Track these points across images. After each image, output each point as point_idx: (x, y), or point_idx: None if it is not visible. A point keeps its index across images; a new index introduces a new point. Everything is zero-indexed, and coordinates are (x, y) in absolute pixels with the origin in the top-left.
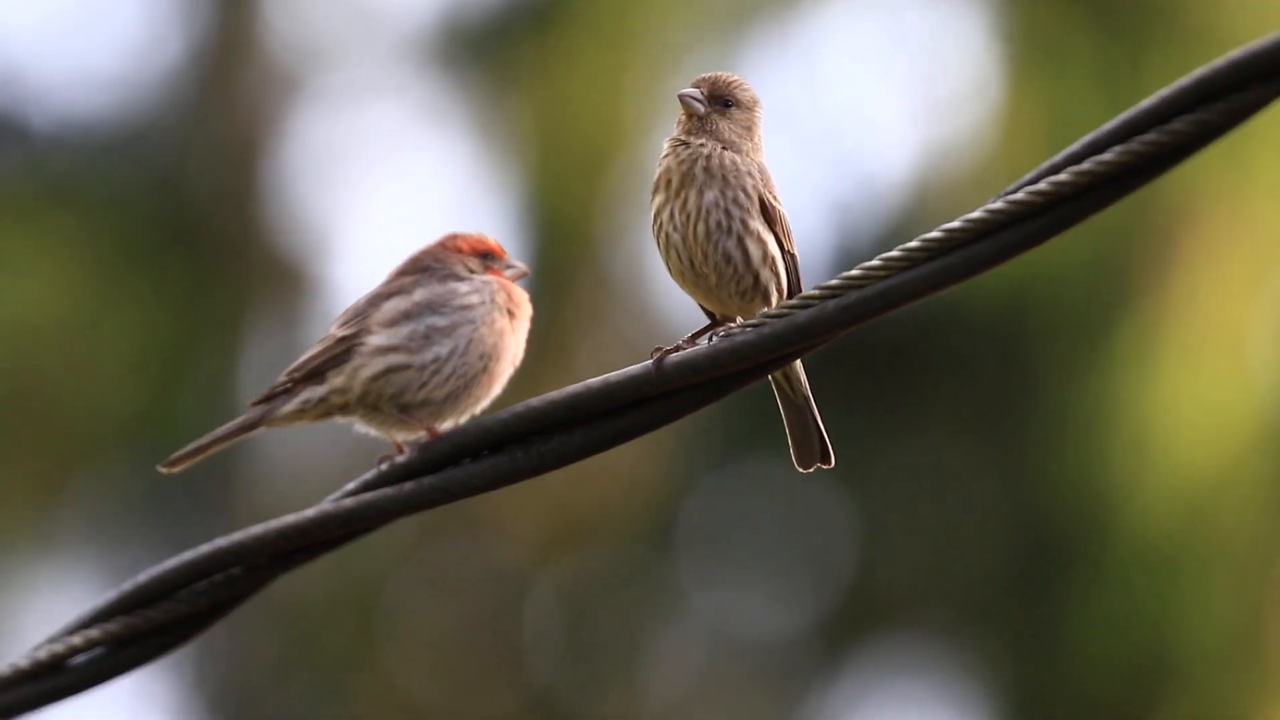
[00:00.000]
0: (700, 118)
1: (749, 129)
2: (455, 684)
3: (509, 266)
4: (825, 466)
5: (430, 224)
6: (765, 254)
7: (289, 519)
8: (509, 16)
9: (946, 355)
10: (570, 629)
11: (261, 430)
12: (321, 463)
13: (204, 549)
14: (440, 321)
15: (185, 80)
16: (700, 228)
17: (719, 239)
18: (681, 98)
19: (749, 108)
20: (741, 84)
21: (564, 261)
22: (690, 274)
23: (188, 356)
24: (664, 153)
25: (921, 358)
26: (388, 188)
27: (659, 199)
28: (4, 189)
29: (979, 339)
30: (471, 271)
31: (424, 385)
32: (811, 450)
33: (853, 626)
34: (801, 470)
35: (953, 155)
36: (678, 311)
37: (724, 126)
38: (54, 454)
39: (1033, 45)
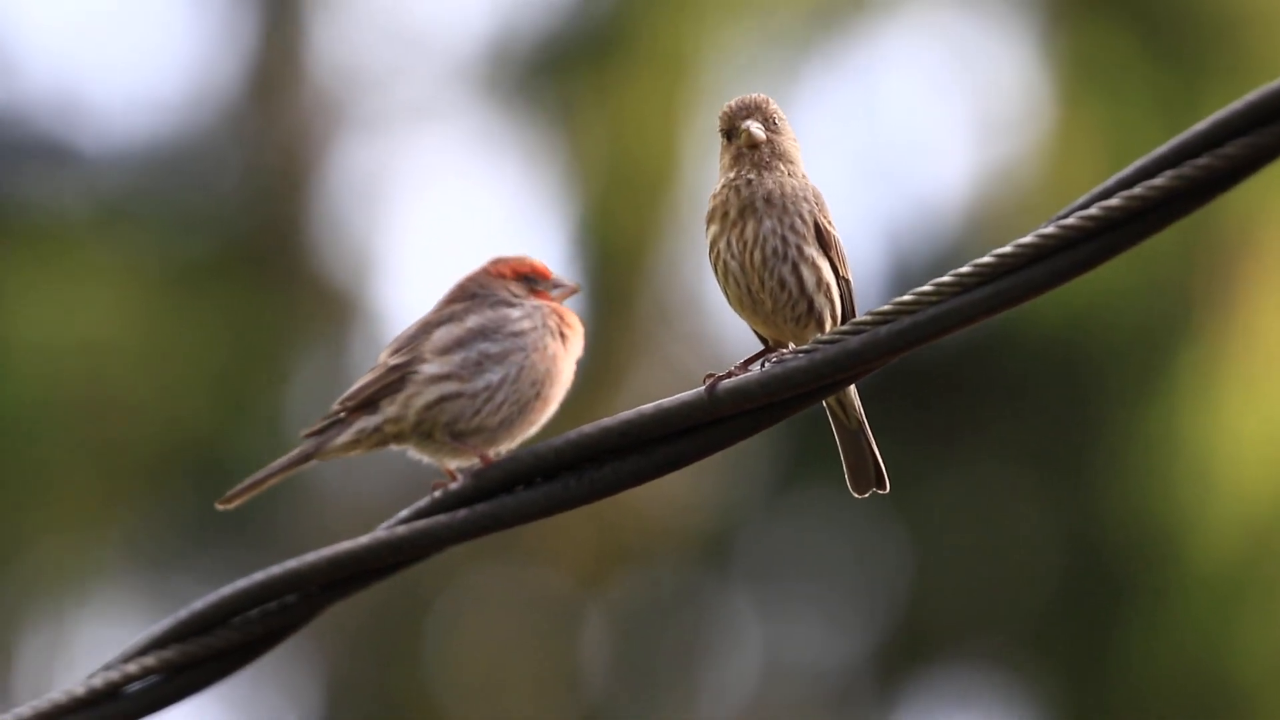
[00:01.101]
0: (763, 144)
1: (786, 149)
2: (506, 708)
3: (556, 286)
4: (880, 492)
5: (481, 251)
6: (820, 280)
7: (343, 546)
8: (563, 42)
9: (1002, 383)
10: (622, 654)
11: (315, 463)
12: (378, 490)
13: (258, 576)
14: (492, 348)
15: (236, 104)
16: (757, 255)
17: (775, 265)
18: (749, 130)
19: (782, 132)
20: (774, 107)
21: (619, 288)
22: (748, 300)
23: (238, 381)
24: (720, 184)
25: (977, 385)
26: (439, 214)
27: (714, 229)
28: (57, 212)
29: (1035, 366)
30: (516, 296)
31: (477, 413)
32: (867, 475)
33: (907, 655)
34: (857, 495)
35: (1008, 179)
36: (733, 338)
37: (775, 149)
38: (106, 480)
39: (1089, 69)
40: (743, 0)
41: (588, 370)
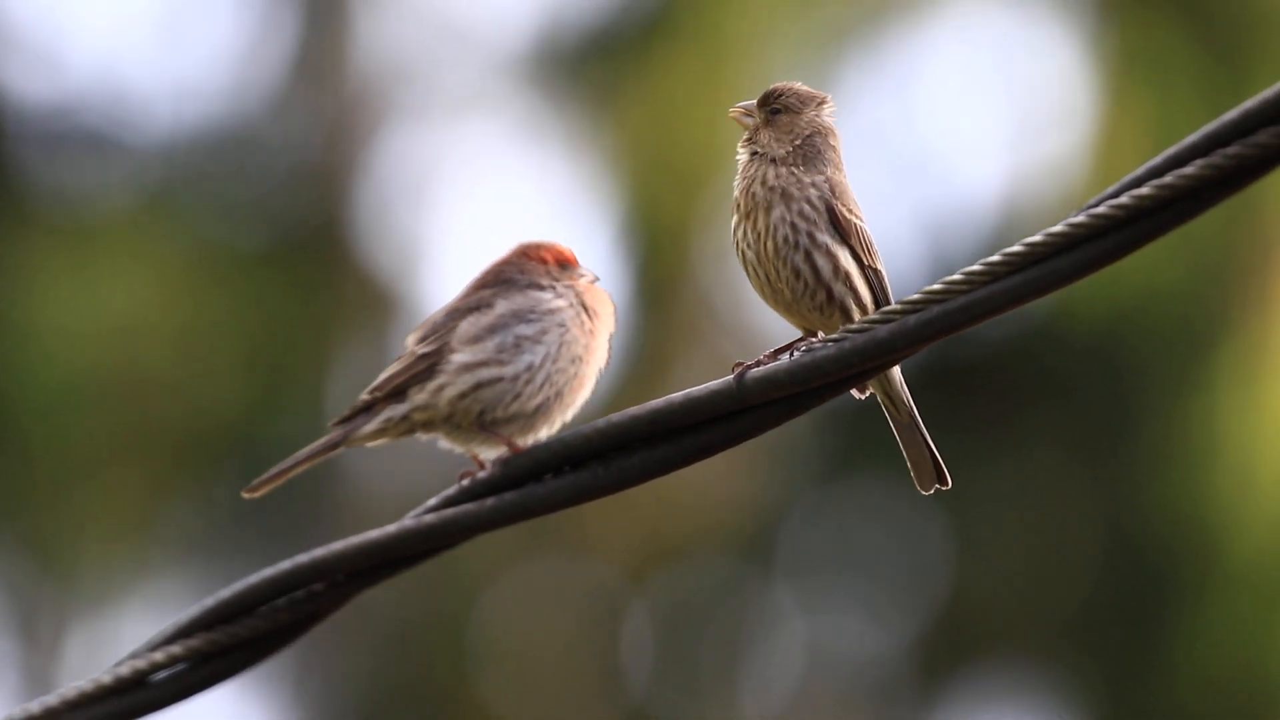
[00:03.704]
0: (752, 130)
1: (791, 133)
2: (550, 703)
3: (580, 275)
4: (943, 488)
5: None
6: (837, 268)
7: (370, 535)
8: (607, 32)
9: (1045, 377)
10: (666, 648)
11: (343, 450)
12: (423, 476)
13: (285, 565)
14: (528, 330)
15: (280, 95)
16: (769, 244)
17: (787, 254)
18: (732, 115)
19: (795, 111)
20: (794, 91)
21: (663, 280)
22: (769, 290)
23: (280, 371)
24: (736, 173)
25: (1020, 380)
26: (482, 205)
27: (734, 219)
28: (104, 202)
29: (1078, 360)
30: (554, 279)
31: (517, 396)
32: (929, 471)
33: (950, 648)
34: (923, 492)
35: (1054, 175)
36: (776, 330)
37: (766, 135)
38: (148, 468)
39: (1136, 63)
40: None
41: (631, 361)
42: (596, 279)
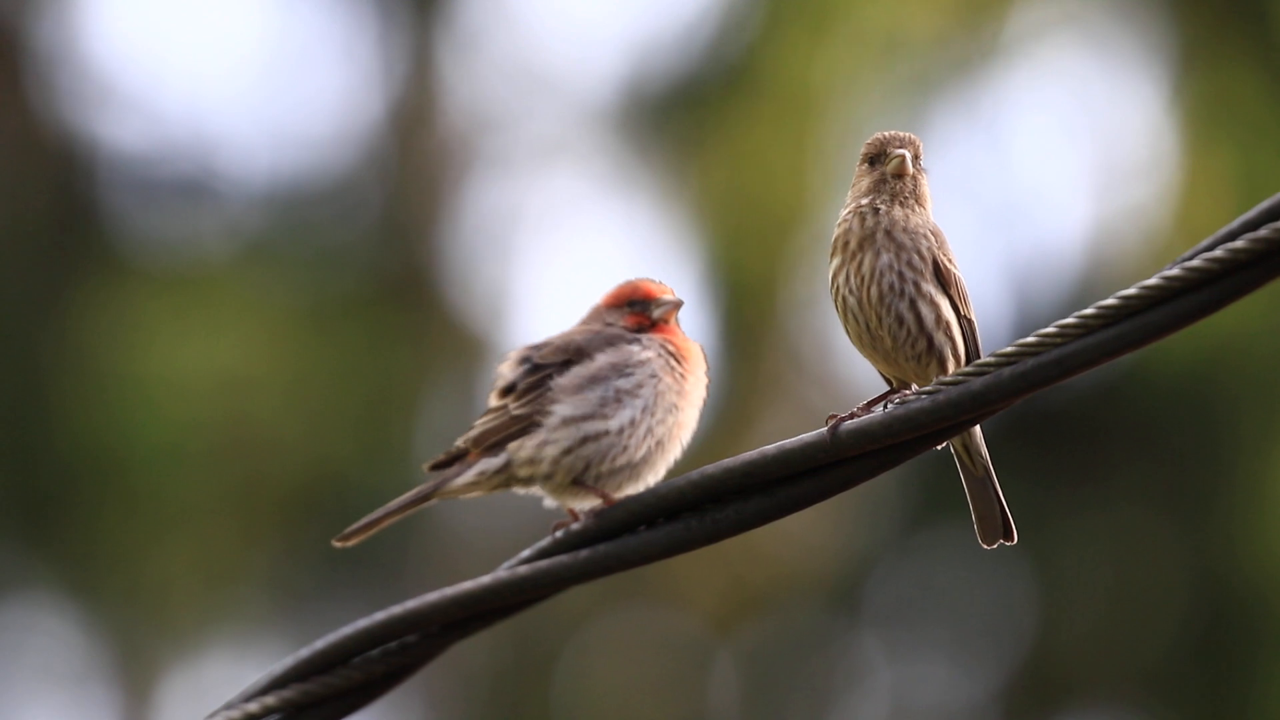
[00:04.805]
0: (905, 177)
1: (925, 184)
2: None
3: (659, 305)
4: (1008, 543)
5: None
6: (939, 317)
7: (464, 586)
8: (693, 82)
9: (1132, 424)
10: (752, 697)
11: (435, 502)
12: (509, 528)
13: (379, 616)
14: (625, 384)
15: (374, 144)
16: (873, 290)
17: (891, 301)
18: (902, 157)
19: (925, 167)
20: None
21: (748, 329)
22: (867, 337)
23: (373, 418)
24: (846, 212)
25: (1107, 427)
26: (569, 253)
27: (836, 261)
28: (199, 251)
29: (1166, 407)
30: (611, 324)
31: (624, 450)
32: (995, 525)
33: (1036, 697)
34: (985, 546)
35: (1136, 224)
36: (861, 380)
37: (913, 185)
38: (244, 517)
39: (1218, 113)
40: (872, 42)
41: (718, 410)
42: (681, 304)
